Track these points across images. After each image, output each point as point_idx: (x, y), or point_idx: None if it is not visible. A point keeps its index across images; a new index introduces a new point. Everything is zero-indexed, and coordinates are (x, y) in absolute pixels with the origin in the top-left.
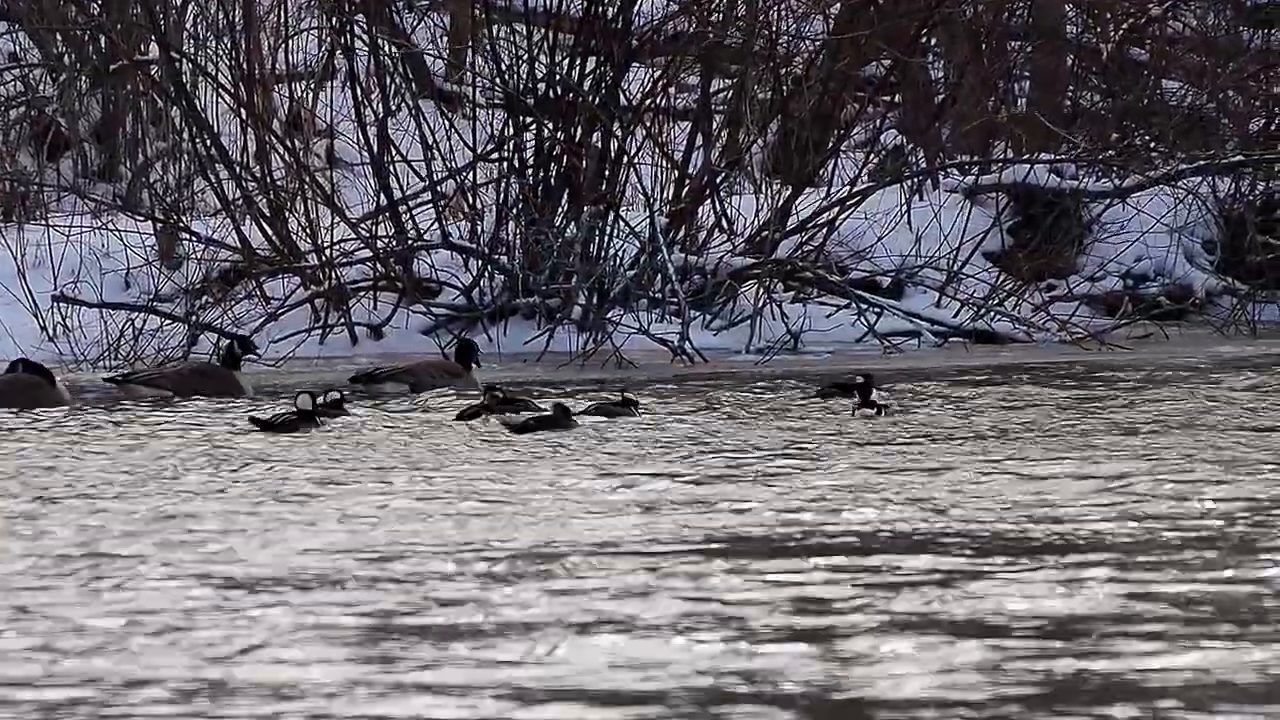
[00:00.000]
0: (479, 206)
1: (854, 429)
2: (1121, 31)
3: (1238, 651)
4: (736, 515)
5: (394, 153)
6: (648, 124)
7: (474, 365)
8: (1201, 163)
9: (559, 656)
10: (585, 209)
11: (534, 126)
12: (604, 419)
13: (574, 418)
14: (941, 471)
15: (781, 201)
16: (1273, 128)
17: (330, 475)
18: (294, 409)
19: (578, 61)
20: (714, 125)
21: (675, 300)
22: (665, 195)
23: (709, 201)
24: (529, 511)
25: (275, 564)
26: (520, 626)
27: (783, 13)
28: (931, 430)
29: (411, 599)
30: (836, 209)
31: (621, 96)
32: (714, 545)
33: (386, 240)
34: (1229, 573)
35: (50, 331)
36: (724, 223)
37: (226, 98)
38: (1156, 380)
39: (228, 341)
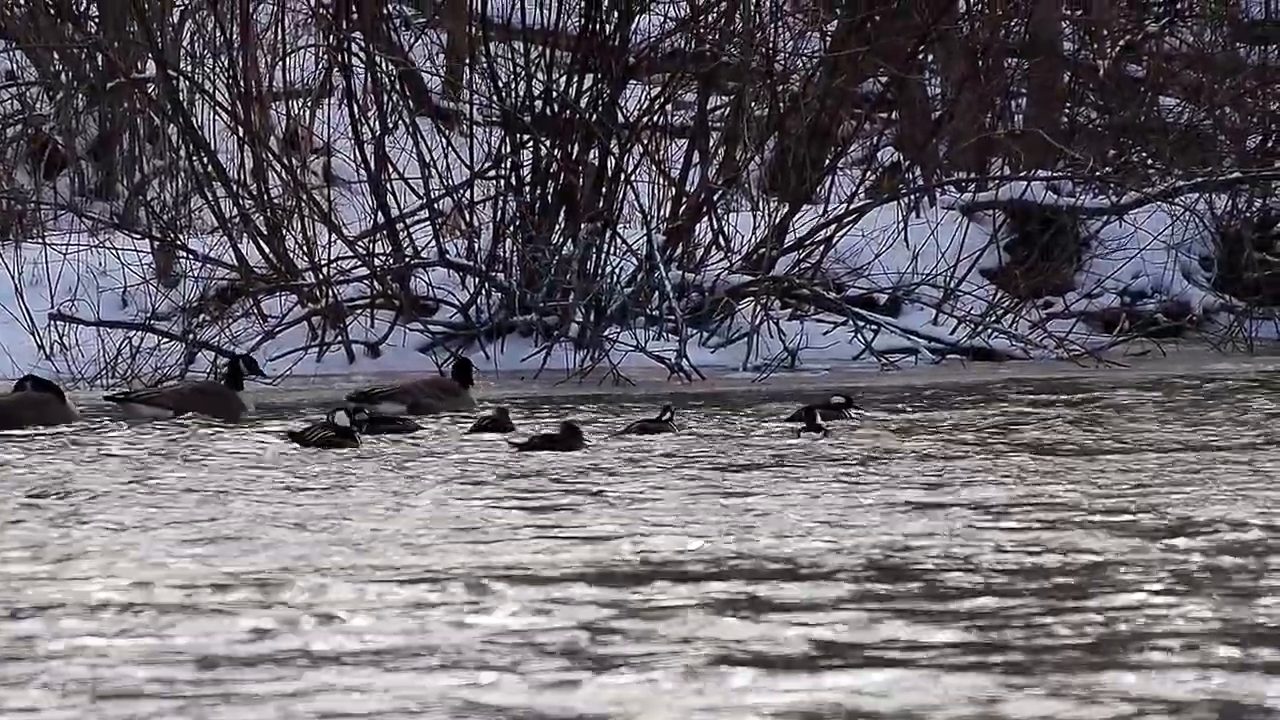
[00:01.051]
0: (476, 224)
1: (781, 450)
2: (1118, 48)
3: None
4: (521, 543)
5: (391, 170)
6: (645, 141)
7: (471, 383)
8: (1199, 179)
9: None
10: (582, 226)
11: (531, 144)
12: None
13: (583, 438)
14: (786, 497)
15: (779, 219)
16: (1270, 144)
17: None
18: (332, 425)
19: (575, 79)
20: (711, 142)
21: (672, 317)
22: (662, 212)
23: (706, 219)
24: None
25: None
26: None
27: (780, 30)
28: (856, 453)
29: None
30: (833, 226)
31: (619, 114)
32: (488, 571)
33: (384, 258)
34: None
35: (48, 350)
36: (721, 240)
37: (224, 115)
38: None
39: (230, 361)
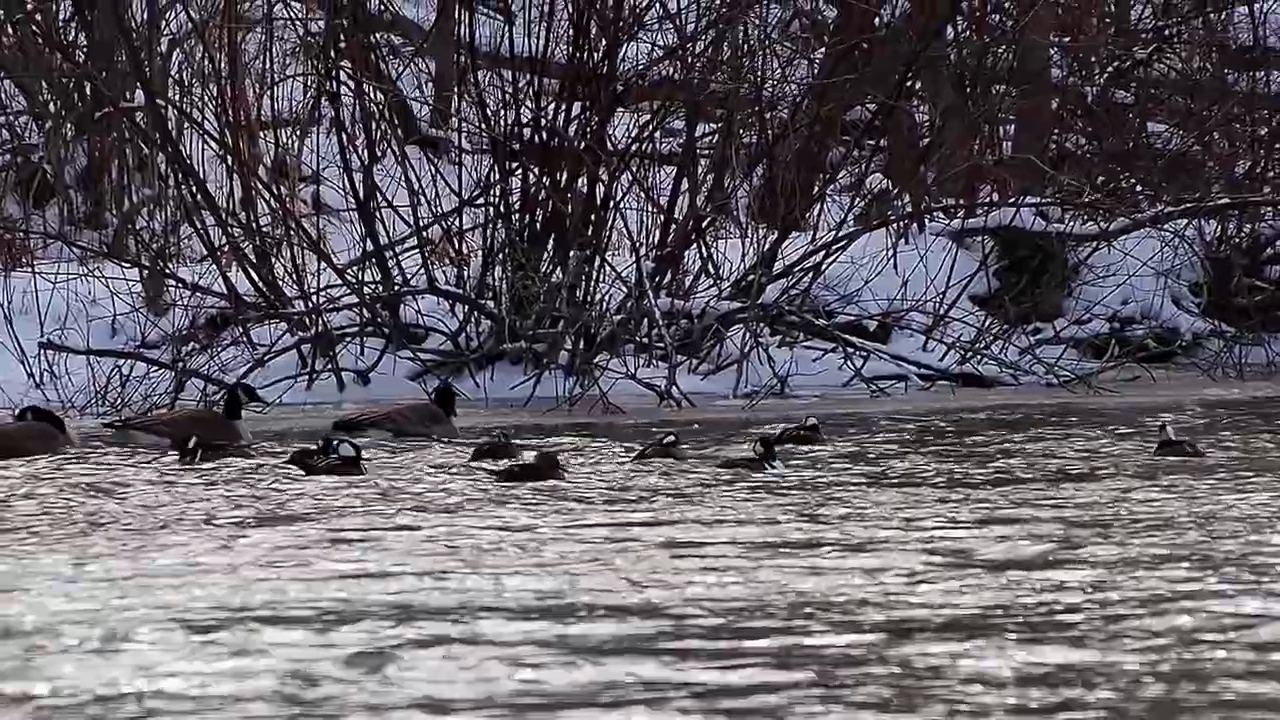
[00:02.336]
0: (465, 252)
1: (709, 481)
2: (1106, 75)
3: None
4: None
5: (380, 198)
6: (634, 168)
7: (453, 411)
8: (1188, 205)
9: None
10: (571, 253)
11: (520, 171)
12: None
13: (560, 468)
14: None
15: (768, 245)
16: (1258, 170)
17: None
18: (338, 454)
19: (564, 106)
20: (700, 170)
21: (662, 345)
22: (651, 240)
23: (695, 246)
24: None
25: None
26: None
27: (768, 57)
28: (781, 485)
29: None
30: (822, 253)
31: (608, 141)
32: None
33: (373, 286)
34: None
35: (37, 378)
36: (710, 267)
37: (212, 144)
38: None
39: (228, 389)
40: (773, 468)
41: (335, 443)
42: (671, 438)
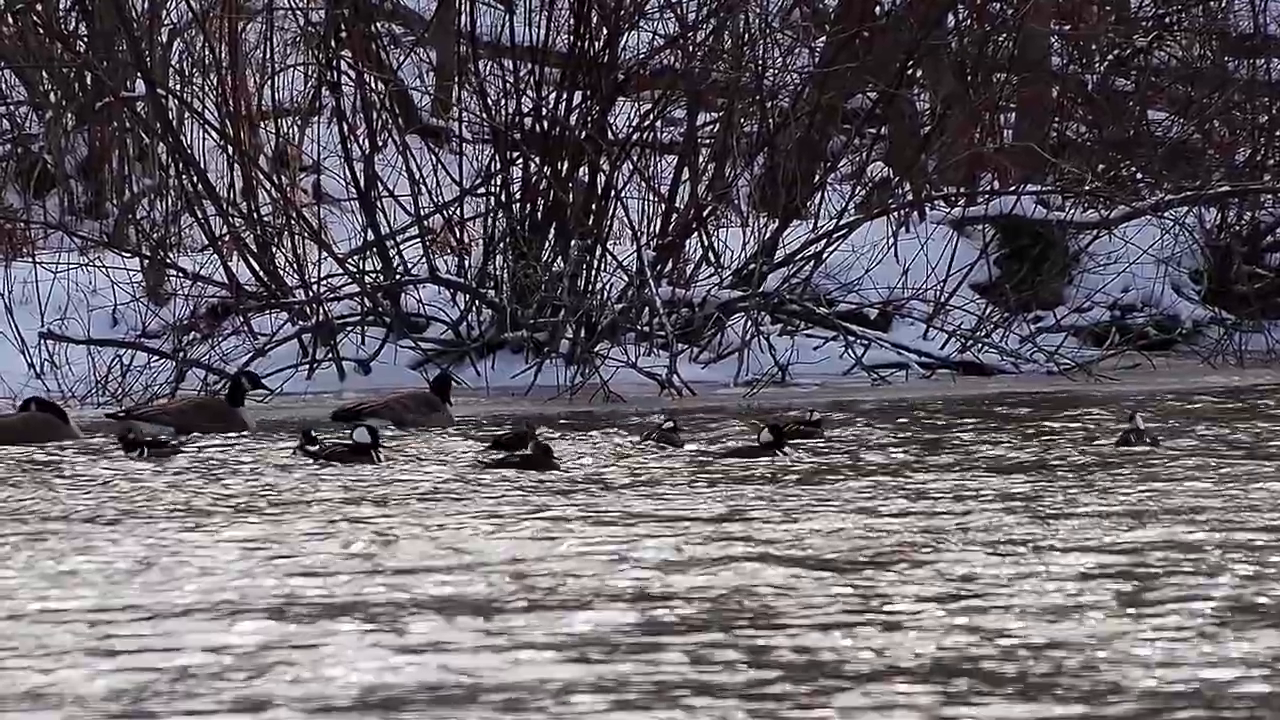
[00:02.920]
0: (466, 241)
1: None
2: (1107, 63)
3: None
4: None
5: (381, 188)
6: (635, 158)
7: (449, 400)
8: (1188, 193)
9: None
10: (573, 243)
11: (521, 161)
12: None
13: (554, 458)
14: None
15: (768, 234)
16: (1259, 158)
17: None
18: (350, 440)
19: (564, 96)
20: (701, 158)
21: (663, 333)
22: (652, 228)
23: (696, 234)
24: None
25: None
26: None
27: (769, 46)
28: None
29: None
30: (823, 241)
31: (608, 130)
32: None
33: (374, 275)
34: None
35: (38, 369)
36: (711, 256)
37: (213, 134)
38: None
39: (232, 377)
40: (783, 454)
41: (353, 430)
42: (670, 424)
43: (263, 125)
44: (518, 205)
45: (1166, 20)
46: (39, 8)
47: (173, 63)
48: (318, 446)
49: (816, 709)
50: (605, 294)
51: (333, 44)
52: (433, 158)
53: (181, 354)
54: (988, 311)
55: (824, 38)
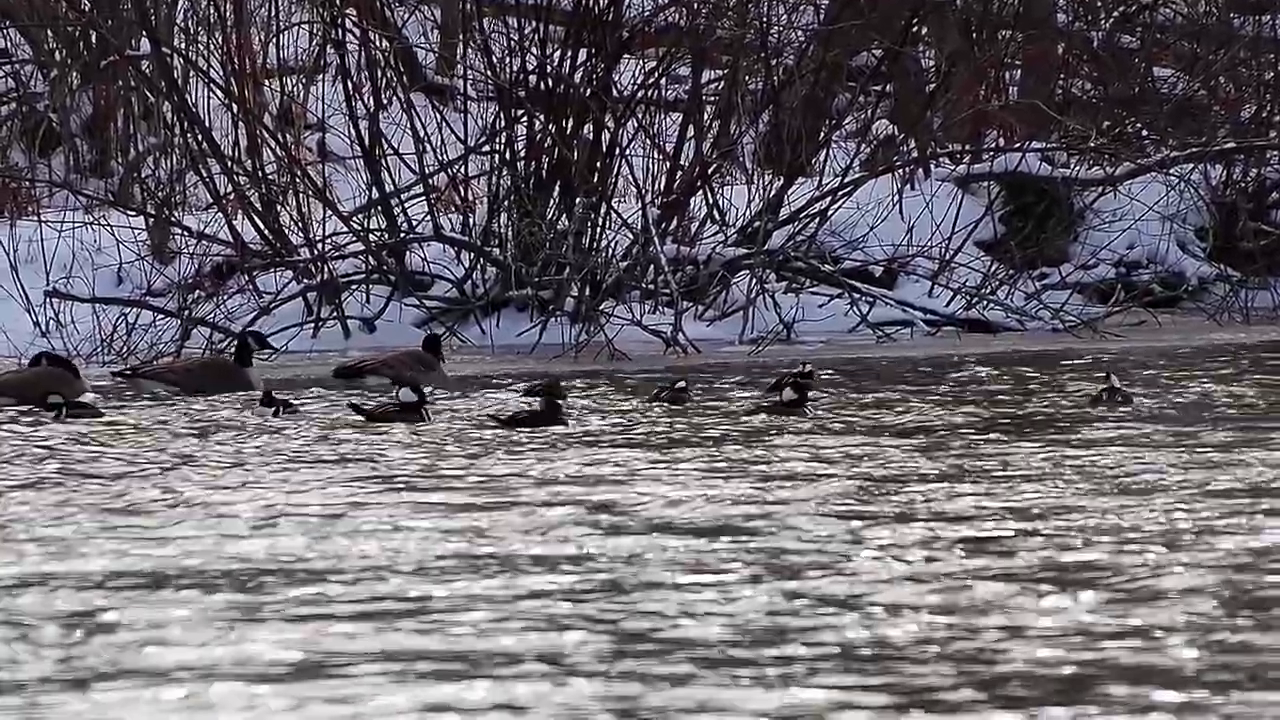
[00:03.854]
0: (471, 199)
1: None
2: (1112, 19)
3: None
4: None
5: (385, 146)
6: (639, 115)
7: (441, 358)
8: (1193, 150)
9: None
10: (577, 201)
11: (526, 119)
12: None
13: (563, 413)
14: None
15: (773, 192)
16: (1264, 114)
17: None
18: (396, 400)
19: (569, 53)
20: (706, 116)
21: (668, 291)
22: (657, 186)
23: (701, 192)
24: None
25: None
26: None
27: (773, 3)
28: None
29: None
30: (828, 199)
31: (613, 88)
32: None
33: (379, 233)
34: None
35: (43, 327)
36: (716, 213)
37: (218, 92)
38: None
39: (238, 337)
40: (810, 412)
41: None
42: (682, 383)
43: (267, 83)
44: (522, 163)
45: None
46: None
47: (177, 21)
48: (371, 407)
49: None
50: (610, 252)
51: (337, 1)
52: (437, 115)
53: (186, 312)
54: (993, 269)
55: None
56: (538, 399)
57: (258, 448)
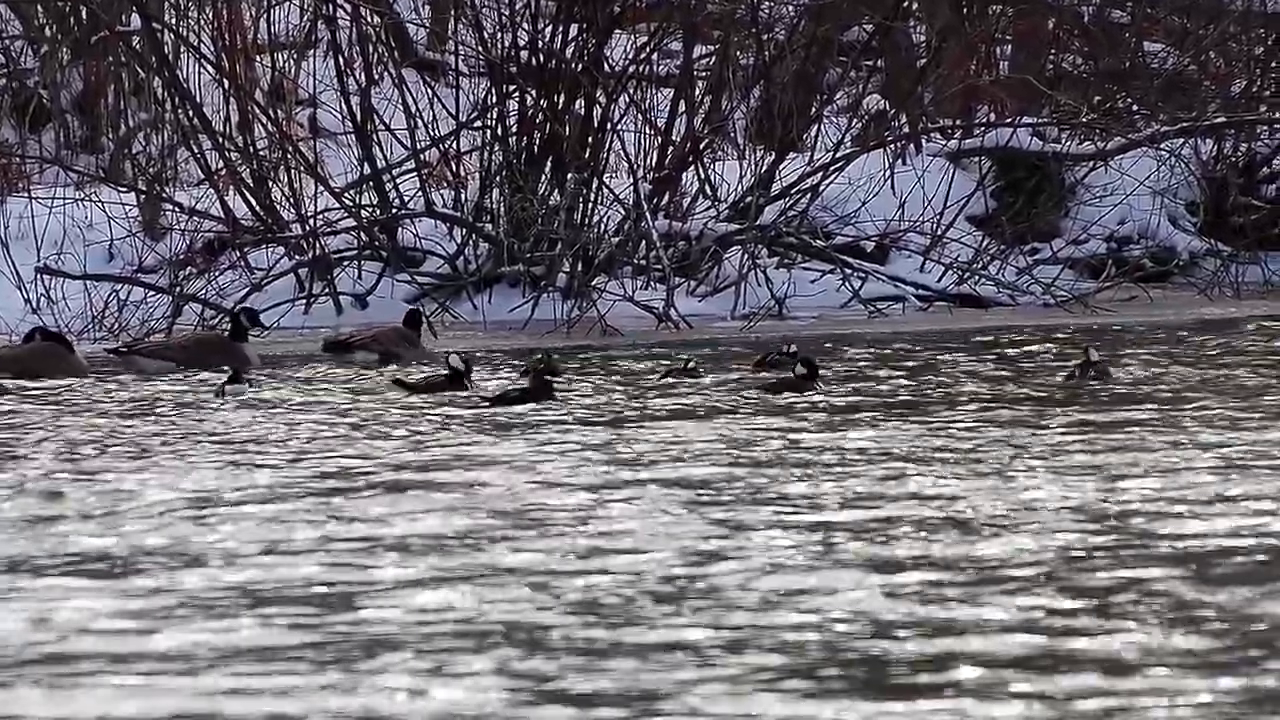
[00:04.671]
0: (463, 174)
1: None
2: None
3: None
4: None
5: (377, 121)
6: (631, 91)
7: (422, 333)
8: (1184, 125)
9: None
10: (569, 176)
11: (517, 94)
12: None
13: (553, 390)
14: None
15: (765, 167)
16: (1254, 89)
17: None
18: (444, 370)
19: (561, 29)
20: (697, 91)
21: (660, 267)
22: (649, 162)
23: (693, 168)
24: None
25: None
26: None
27: None
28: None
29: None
30: (820, 174)
31: (605, 63)
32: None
33: (370, 209)
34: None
35: (34, 304)
36: (708, 189)
37: (209, 68)
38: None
39: (232, 314)
40: (819, 389)
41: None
42: (692, 362)
43: (258, 59)
44: (514, 139)
45: None
46: None
47: None
48: (415, 380)
49: None
50: (602, 227)
51: None
52: (429, 91)
53: (178, 289)
54: (984, 244)
55: None
56: (529, 376)
57: (181, 428)
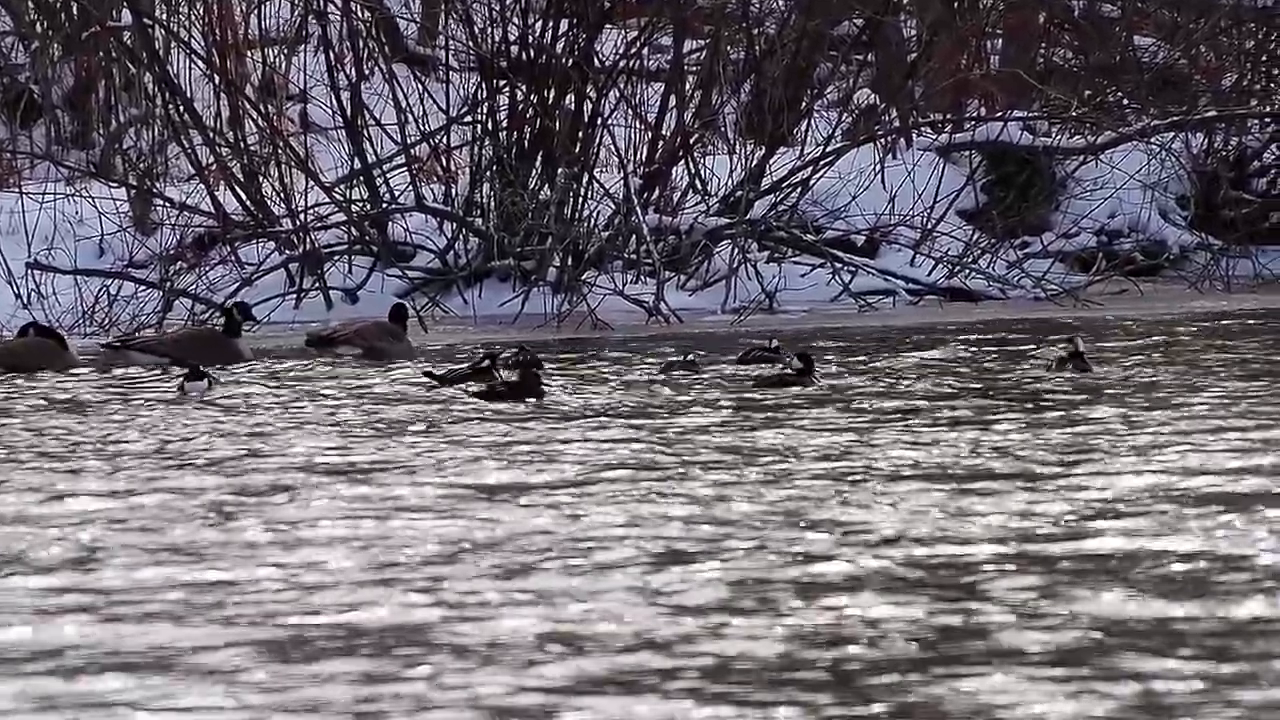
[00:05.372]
0: (453, 169)
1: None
2: None
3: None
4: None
5: (367, 116)
6: (621, 85)
7: (406, 328)
8: (1174, 118)
9: None
10: (559, 171)
11: (508, 89)
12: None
13: (542, 384)
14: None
15: (755, 161)
16: (1245, 83)
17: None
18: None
19: (551, 23)
20: (687, 86)
21: (650, 261)
22: (639, 156)
23: (683, 162)
24: None
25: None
26: None
27: None
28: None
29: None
30: (810, 168)
31: (595, 58)
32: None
33: (361, 204)
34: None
35: (25, 299)
36: (698, 183)
37: (199, 63)
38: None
39: (225, 309)
40: (814, 383)
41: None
42: (692, 357)
43: (249, 54)
44: (504, 133)
45: None
46: None
47: None
48: (443, 372)
49: None
50: (592, 222)
51: None
52: (419, 86)
53: (168, 284)
54: (974, 238)
55: None
56: (517, 370)
57: (101, 430)
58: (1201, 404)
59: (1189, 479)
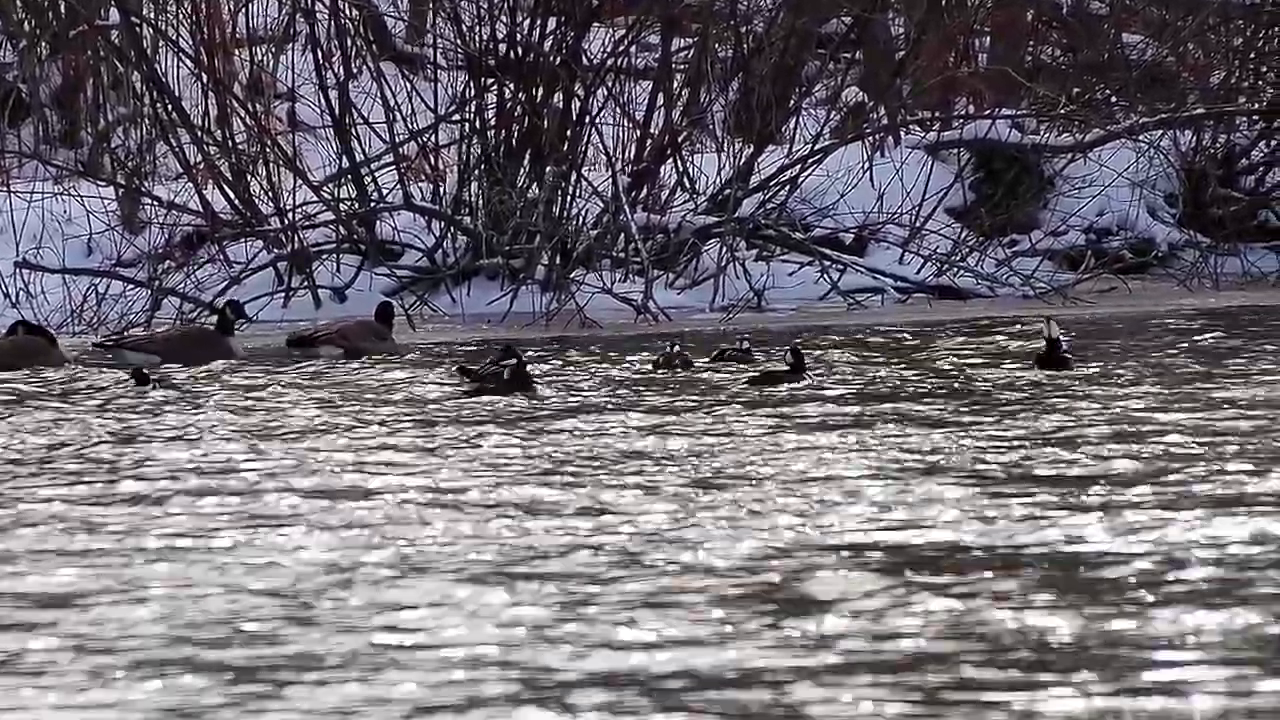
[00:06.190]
0: (441, 168)
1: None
2: None
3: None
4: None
5: (355, 115)
6: (609, 84)
7: (392, 327)
8: (1163, 116)
9: None
10: (548, 169)
11: (495, 87)
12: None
13: (532, 382)
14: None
15: (743, 159)
16: (1233, 81)
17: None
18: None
19: (539, 22)
20: (675, 84)
21: (638, 259)
22: (627, 155)
23: (671, 160)
24: None
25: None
26: None
27: None
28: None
29: None
30: (798, 166)
31: (583, 56)
32: None
33: (349, 203)
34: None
35: (13, 298)
36: (686, 181)
37: (187, 62)
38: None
39: (220, 307)
40: (806, 379)
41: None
42: (678, 349)
43: (237, 53)
44: (492, 132)
45: None
46: None
47: None
48: (475, 370)
49: None
50: (581, 220)
51: None
52: (407, 84)
53: (157, 282)
54: (963, 236)
55: None
56: (508, 366)
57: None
58: (1181, 401)
59: (1171, 475)
